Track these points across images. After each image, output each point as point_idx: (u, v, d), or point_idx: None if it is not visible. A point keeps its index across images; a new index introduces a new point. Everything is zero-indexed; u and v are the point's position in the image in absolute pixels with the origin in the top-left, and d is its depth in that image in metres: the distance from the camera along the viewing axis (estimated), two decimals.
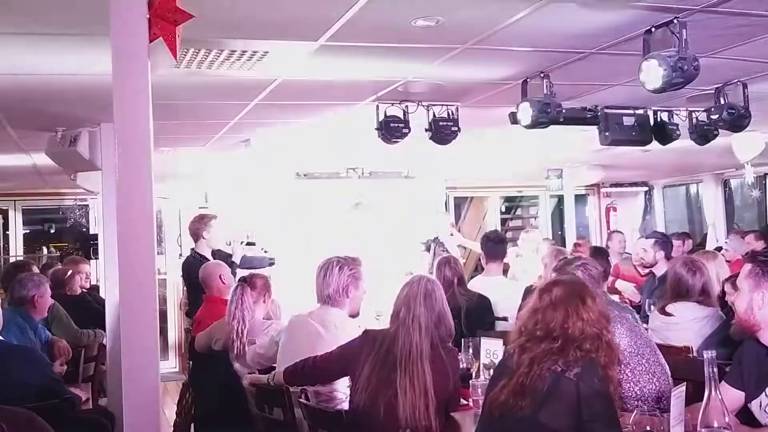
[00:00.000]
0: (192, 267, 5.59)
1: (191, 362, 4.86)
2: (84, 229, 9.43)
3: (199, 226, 5.89)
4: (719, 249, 6.85)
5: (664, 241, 6.59)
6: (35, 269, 6.02)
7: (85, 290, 6.48)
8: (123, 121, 2.05)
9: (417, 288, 3.04)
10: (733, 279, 4.11)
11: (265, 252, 7.60)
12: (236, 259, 6.00)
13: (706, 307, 3.90)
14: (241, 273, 7.40)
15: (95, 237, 8.16)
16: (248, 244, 6.50)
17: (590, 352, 2.36)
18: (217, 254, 5.86)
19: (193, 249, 5.96)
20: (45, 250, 10.17)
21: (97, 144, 5.13)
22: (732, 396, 2.46)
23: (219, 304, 4.54)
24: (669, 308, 3.92)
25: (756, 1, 3.00)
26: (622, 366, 2.75)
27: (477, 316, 4.58)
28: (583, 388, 2.28)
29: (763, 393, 2.40)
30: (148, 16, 2.05)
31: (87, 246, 8.38)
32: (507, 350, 2.62)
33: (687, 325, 3.81)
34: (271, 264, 7.45)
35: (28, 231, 9.69)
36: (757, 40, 3.58)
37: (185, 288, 6.77)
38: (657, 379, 2.82)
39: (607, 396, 2.32)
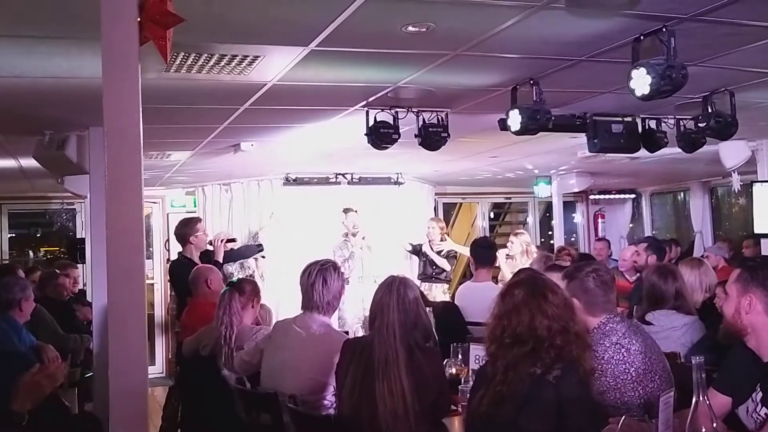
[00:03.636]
0: (180, 270, 5.57)
1: (179, 367, 4.83)
2: (71, 233, 9.38)
3: (186, 231, 5.88)
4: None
5: (657, 247, 6.65)
6: (21, 273, 5.98)
7: (72, 294, 6.44)
8: (113, 124, 2.04)
9: (389, 293, 2.97)
10: (724, 284, 4.16)
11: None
12: (219, 258, 5.98)
13: (686, 315, 3.92)
14: (232, 270, 7.44)
15: (82, 241, 8.11)
16: (229, 240, 6.46)
17: (562, 348, 2.36)
18: (203, 256, 5.84)
19: (180, 252, 5.94)
20: (31, 254, 10.10)
21: (85, 147, 5.10)
22: (720, 401, 2.47)
23: (205, 308, 4.53)
24: (648, 317, 3.95)
25: (743, 10, 3.03)
26: (627, 365, 2.77)
27: (446, 320, 4.60)
28: (563, 392, 2.28)
29: (750, 398, 2.41)
30: (138, 19, 2.04)
31: (74, 250, 8.33)
32: (481, 359, 2.62)
33: (666, 333, 3.83)
34: (260, 250, 7.42)
35: (14, 235, 9.63)
36: (744, 49, 3.61)
37: (173, 291, 6.74)
38: (659, 377, 2.82)
39: (588, 399, 2.32)
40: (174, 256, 7.29)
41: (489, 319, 2.56)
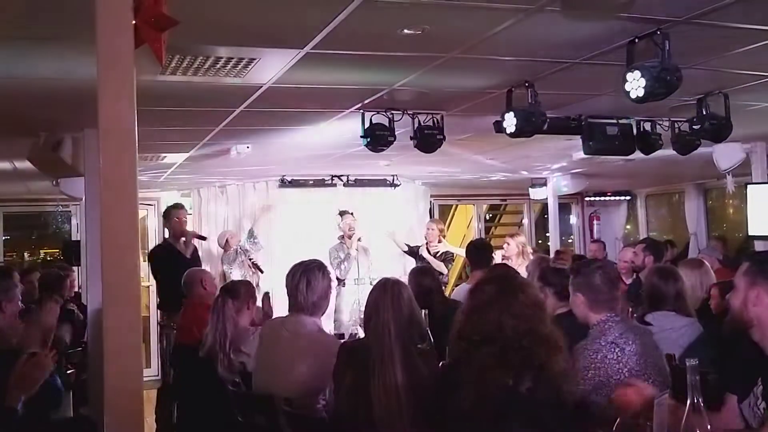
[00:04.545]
0: (157, 254, 5.63)
1: (174, 369, 4.82)
2: (66, 236, 9.36)
3: (165, 213, 6.00)
4: None
5: (655, 248, 6.65)
6: (16, 275, 5.95)
7: (69, 298, 6.42)
8: (108, 127, 2.04)
9: (384, 293, 2.97)
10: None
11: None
12: (186, 254, 6.00)
13: (684, 316, 3.93)
14: (231, 269, 7.45)
15: (77, 243, 8.10)
16: (198, 237, 6.47)
17: (530, 350, 2.32)
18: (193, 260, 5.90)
19: (165, 237, 6.00)
20: (27, 256, 10.09)
21: (80, 149, 5.09)
22: (731, 402, 2.48)
23: (201, 310, 4.53)
24: (648, 317, 3.95)
25: (737, 13, 3.04)
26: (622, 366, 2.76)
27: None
28: (539, 401, 2.26)
29: (752, 392, 2.42)
30: (134, 22, 2.04)
31: (69, 252, 8.31)
32: (453, 355, 2.59)
33: (665, 334, 3.83)
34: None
35: (8, 237, 9.62)
36: (737, 51, 3.63)
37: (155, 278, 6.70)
38: (652, 381, 2.82)
39: (564, 404, 2.29)
40: None
41: (458, 316, 2.52)
